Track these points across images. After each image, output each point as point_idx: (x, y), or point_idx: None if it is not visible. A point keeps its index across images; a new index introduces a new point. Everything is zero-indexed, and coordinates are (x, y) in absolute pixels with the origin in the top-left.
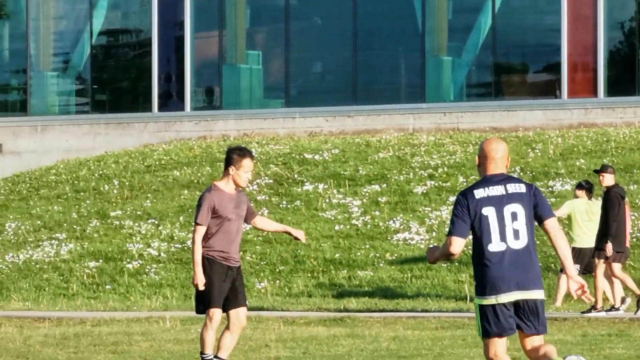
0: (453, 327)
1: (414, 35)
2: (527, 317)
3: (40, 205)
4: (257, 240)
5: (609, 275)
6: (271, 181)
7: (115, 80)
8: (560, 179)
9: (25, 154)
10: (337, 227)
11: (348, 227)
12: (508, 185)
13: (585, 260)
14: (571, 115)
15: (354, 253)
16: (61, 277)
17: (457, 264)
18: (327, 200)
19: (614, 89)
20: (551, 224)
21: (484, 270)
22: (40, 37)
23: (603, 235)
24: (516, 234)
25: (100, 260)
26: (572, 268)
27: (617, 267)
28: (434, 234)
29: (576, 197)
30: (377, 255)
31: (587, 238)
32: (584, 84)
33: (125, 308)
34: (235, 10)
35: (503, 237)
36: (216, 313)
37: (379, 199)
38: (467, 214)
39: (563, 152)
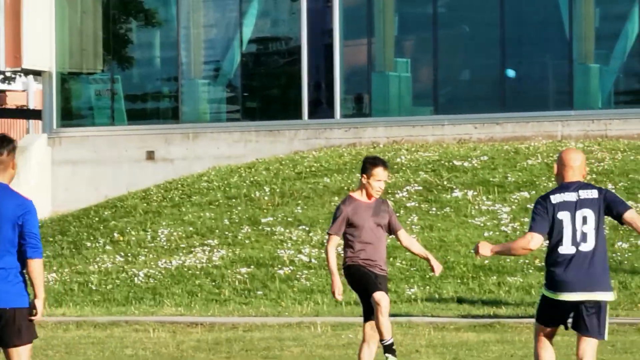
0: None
1: (561, 43)
2: (586, 318)
3: (192, 212)
4: None
5: None
6: (420, 188)
7: (265, 87)
8: None
9: (177, 160)
10: (486, 234)
11: (497, 233)
12: (581, 192)
13: None
14: None
15: (504, 259)
16: (213, 283)
17: None
18: (476, 207)
19: None
20: (629, 215)
21: (554, 269)
22: (191, 45)
23: None
24: (584, 237)
25: (252, 266)
26: None
27: None
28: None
29: None
30: (527, 261)
31: None
32: None
33: (276, 314)
34: (384, 18)
35: (574, 241)
36: (380, 296)
37: (528, 205)
38: (546, 216)
39: None
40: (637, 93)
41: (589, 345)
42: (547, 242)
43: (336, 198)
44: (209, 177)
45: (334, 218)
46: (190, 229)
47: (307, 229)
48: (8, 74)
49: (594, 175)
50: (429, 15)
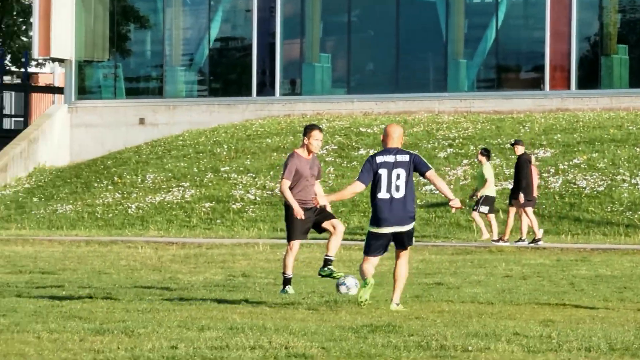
0: (464, 253)
1: (439, 44)
2: (401, 240)
3: (171, 162)
4: None
5: (519, 215)
6: (336, 147)
7: (226, 73)
8: (542, 148)
9: (161, 125)
10: None
11: None
12: (397, 156)
13: (494, 203)
14: (551, 102)
15: None
16: (185, 214)
17: (466, 208)
18: None
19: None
20: (429, 174)
21: (375, 210)
22: (172, 42)
23: (516, 189)
24: (397, 188)
25: (213, 202)
26: (451, 195)
27: (529, 210)
28: (451, 186)
29: (480, 161)
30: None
31: (493, 188)
32: (560, 80)
33: (230, 236)
34: (312, 24)
35: (389, 190)
36: (295, 244)
37: None
38: (370, 171)
39: (545, 129)
40: (493, 80)
41: (404, 254)
42: (370, 189)
43: (275, 154)
44: (183, 138)
45: (285, 167)
46: (170, 174)
47: (253, 175)
48: (40, 61)
49: (461, 140)
50: (345, 23)
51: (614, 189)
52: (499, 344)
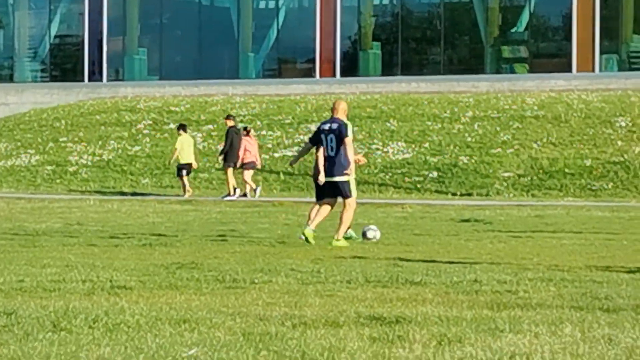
0: (253, 206)
1: (233, 40)
2: (338, 189)
3: (21, 133)
4: None
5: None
6: (151, 122)
7: (63, 63)
8: (315, 123)
9: (12, 105)
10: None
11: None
12: (332, 124)
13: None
14: (321, 87)
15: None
16: (31, 175)
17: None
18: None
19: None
20: (345, 140)
21: (316, 165)
22: (21, 38)
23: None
24: (332, 149)
25: (54, 166)
26: (354, 158)
27: (229, 171)
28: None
29: (179, 134)
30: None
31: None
32: (328, 70)
33: (67, 193)
34: (132, 25)
35: (328, 150)
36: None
37: (210, 135)
38: (316, 135)
39: (316, 108)
40: (275, 70)
41: (346, 202)
42: (315, 150)
43: (102, 127)
44: (30, 115)
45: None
46: (19, 144)
47: (86, 145)
48: None
49: (250, 116)
50: (158, 25)
51: (370, 155)
52: (279, 277)
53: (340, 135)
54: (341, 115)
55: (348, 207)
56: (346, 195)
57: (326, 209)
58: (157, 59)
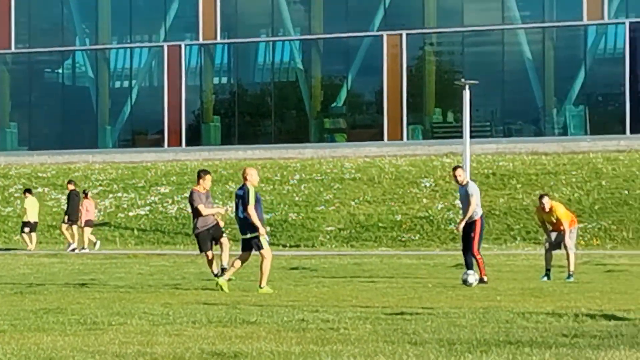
0: (110, 258)
1: (92, 115)
2: (250, 245)
3: None
4: None
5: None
6: (21, 187)
7: None
8: (164, 186)
9: None
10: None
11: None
12: (240, 191)
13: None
14: (169, 155)
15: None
16: None
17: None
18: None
19: None
20: (247, 207)
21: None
22: None
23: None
24: (239, 210)
25: None
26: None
27: (73, 227)
28: (102, 211)
29: (26, 197)
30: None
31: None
32: (175, 139)
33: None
34: (4, 101)
35: (237, 211)
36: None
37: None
38: (235, 198)
39: (165, 173)
40: (129, 140)
41: (261, 253)
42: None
43: None
44: None
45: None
46: None
47: None
48: None
49: (108, 181)
50: (27, 101)
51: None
52: (133, 319)
53: (244, 201)
54: (248, 182)
55: (264, 258)
56: (259, 248)
57: (238, 263)
58: (26, 131)
